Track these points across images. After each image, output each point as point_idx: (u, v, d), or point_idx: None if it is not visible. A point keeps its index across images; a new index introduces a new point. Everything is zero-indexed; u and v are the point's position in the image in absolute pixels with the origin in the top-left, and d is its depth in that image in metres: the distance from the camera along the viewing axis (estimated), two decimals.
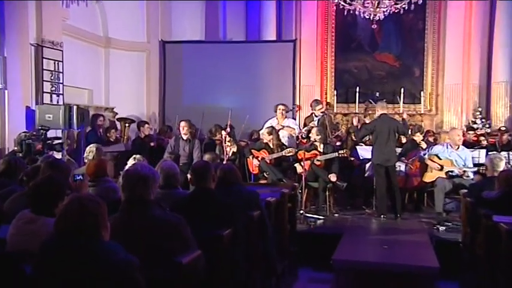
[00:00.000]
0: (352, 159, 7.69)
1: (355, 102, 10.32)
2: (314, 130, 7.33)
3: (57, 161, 3.86)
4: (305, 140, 7.96)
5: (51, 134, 6.85)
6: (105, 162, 4.70)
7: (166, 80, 10.56)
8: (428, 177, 6.78)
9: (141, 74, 10.26)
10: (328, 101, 10.76)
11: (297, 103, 9.95)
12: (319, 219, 6.70)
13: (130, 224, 2.57)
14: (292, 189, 5.56)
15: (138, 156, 5.08)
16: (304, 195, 6.92)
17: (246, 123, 8.82)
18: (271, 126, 7.56)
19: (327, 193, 7.09)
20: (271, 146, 7.36)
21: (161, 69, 10.52)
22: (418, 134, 7.35)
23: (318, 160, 7.11)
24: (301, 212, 6.70)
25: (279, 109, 7.85)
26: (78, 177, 3.57)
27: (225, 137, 7.44)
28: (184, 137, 7.55)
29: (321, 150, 7.21)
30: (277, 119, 7.86)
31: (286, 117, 7.89)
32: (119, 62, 9.84)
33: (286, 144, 7.56)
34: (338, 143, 8.24)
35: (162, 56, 10.46)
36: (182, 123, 7.50)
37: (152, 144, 8.45)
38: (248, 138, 9.36)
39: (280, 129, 7.65)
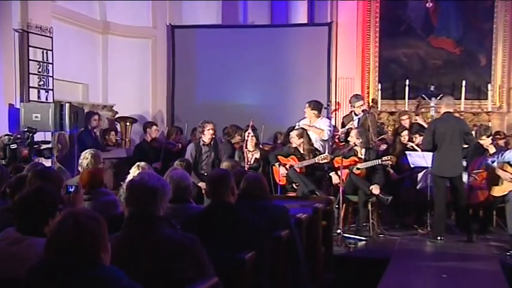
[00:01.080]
0: (391, 171, 7.56)
1: (404, 98, 10.21)
2: (354, 132, 7.29)
3: (47, 170, 3.91)
4: (343, 143, 7.92)
5: (38, 137, 6.96)
6: (103, 171, 4.77)
7: (176, 73, 10.67)
8: (498, 191, 6.66)
9: (146, 66, 10.38)
10: (371, 96, 10.70)
11: (333, 99, 9.91)
12: (360, 240, 6.68)
13: (135, 245, 2.57)
14: (327, 203, 5.56)
15: (142, 163, 5.10)
16: (341, 211, 6.90)
17: (270, 124, 8.84)
18: (302, 128, 7.55)
19: (370, 208, 7.04)
20: (302, 152, 7.36)
21: (169, 59, 10.63)
22: (485, 136, 7.03)
23: (358, 168, 7.07)
24: (339, 231, 6.68)
25: (307, 107, 7.87)
26: (71, 189, 3.60)
27: (247, 140, 7.47)
28: (207, 141, 7.63)
29: (362, 157, 7.18)
30: (309, 119, 7.87)
31: (320, 116, 7.88)
32: (120, 51, 9.97)
33: (320, 149, 7.56)
34: (383, 148, 8.19)
35: (171, 44, 10.57)
36: (209, 126, 7.59)
37: (168, 148, 8.54)
38: (273, 142, 9.36)
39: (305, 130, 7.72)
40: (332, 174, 7.24)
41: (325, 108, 8.86)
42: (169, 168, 5.02)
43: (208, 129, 7.60)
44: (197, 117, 9.10)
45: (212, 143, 7.66)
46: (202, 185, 7.06)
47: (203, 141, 7.63)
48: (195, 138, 8.00)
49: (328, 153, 7.39)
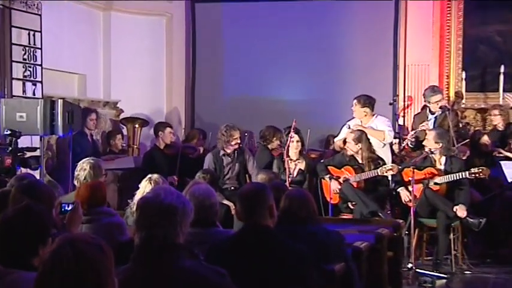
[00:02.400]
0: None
1: (497, 90, 10.06)
2: (431, 135, 7.23)
3: (36, 184, 3.98)
4: (414, 150, 7.86)
5: (23, 142, 7.10)
6: (105, 186, 4.83)
7: (198, 60, 10.78)
8: None
9: (159, 51, 10.52)
10: (452, 89, 10.56)
11: (401, 93, 9.83)
12: (439, 278, 6.60)
13: (148, 281, 2.59)
14: (394, 229, 5.51)
15: (155, 176, 5.18)
16: (414, 239, 6.85)
17: (319, 125, 8.84)
18: (360, 130, 7.53)
19: (452, 236, 6.96)
20: (360, 161, 7.34)
21: (189, 42, 10.75)
22: None
23: (436, 183, 7.02)
24: (410, 266, 6.63)
25: (355, 104, 7.84)
26: (67, 208, 3.68)
27: (288, 146, 7.50)
28: (229, 151, 7.69)
29: (442, 167, 7.12)
30: (359, 119, 7.85)
31: (374, 114, 7.85)
32: (125, 32, 10.12)
33: (384, 157, 7.53)
34: (467, 156, 8.11)
35: (191, 23, 10.69)
36: (236, 135, 7.62)
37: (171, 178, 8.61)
38: (324, 148, 9.35)
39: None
40: (400, 190, 7.20)
41: (390, 104, 8.80)
42: (189, 182, 5.07)
43: (235, 138, 7.64)
44: (224, 116, 9.17)
45: (236, 151, 7.71)
46: (230, 204, 7.10)
47: (224, 151, 7.70)
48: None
49: (394, 162, 7.33)
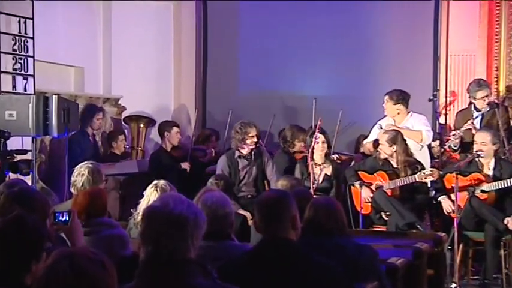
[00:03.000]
0: None
1: None
2: (479, 135, 7.20)
3: (28, 192, 4.01)
4: (457, 152, 7.82)
5: (13, 143, 7.14)
6: (105, 193, 4.85)
7: (210, 50, 10.79)
8: None
9: (166, 41, 10.54)
10: (502, 82, 10.47)
11: (443, 87, 9.77)
12: None
13: None
14: (434, 243, 5.50)
15: (162, 182, 5.20)
16: (457, 256, 6.78)
17: (348, 124, 8.79)
18: (395, 130, 7.50)
19: (503, 252, 6.91)
20: (395, 165, 7.33)
21: (199, 30, 10.76)
22: None
23: (483, 191, 6.98)
24: (454, 285, 6.58)
25: (387, 100, 7.80)
26: (61, 218, 3.70)
27: (313, 148, 7.48)
28: (245, 152, 7.69)
29: (490, 173, 7.08)
30: (392, 117, 7.81)
31: (410, 113, 7.81)
32: (128, 20, 10.15)
33: (422, 161, 7.49)
34: None
35: (202, 9, 10.72)
36: (252, 132, 7.62)
37: (184, 164, 8.64)
38: (353, 151, 9.31)
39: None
40: (442, 199, 7.16)
41: (429, 100, 8.75)
42: (200, 189, 5.08)
43: (252, 136, 7.64)
44: (239, 114, 9.17)
45: (253, 153, 7.71)
46: (246, 214, 7.10)
47: (240, 152, 7.70)
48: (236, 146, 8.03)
49: (434, 167, 7.29)
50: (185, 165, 8.49)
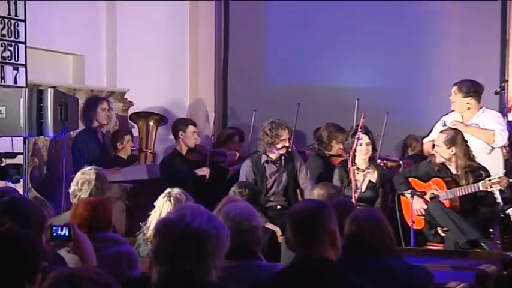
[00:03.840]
0: None
1: None
2: None
3: (20, 202, 4.03)
4: None
5: (2, 145, 7.18)
6: (110, 204, 4.86)
7: (232, 37, 10.80)
8: None
9: (180, 24, 10.52)
10: None
11: (511, 77, 9.69)
12: None
13: None
14: (503, 264, 5.45)
15: (176, 191, 5.21)
16: None
17: (396, 123, 8.74)
18: (453, 129, 7.46)
19: None
20: (454, 171, 7.29)
21: (220, 13, 10.76)
22: None
23: None
24: None
25: (454, 92, 7.72)
26: (61, 233, 3.71)
27: (354, 151, 7.43)
28: (273, 156, 7.69)
29: None
30: (460, 113, 7.75)
31: (481, 108, 7.75)
32: (135, 1, 10.12)
33: (490, 166, 7.44)
34: None
35: None
36: (281, 133, 7.60)
37: (202, 170, 8.61)
38: (400, 155, 9.26)
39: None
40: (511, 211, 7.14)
41: (496, 93, 8.67)
42: (221, 199, 5.09)
43: (283, 140, 7.63)
44: (267, 111, 9.17)
45: (283, 157, 7.69)
46: (275, 228, 7.08)
47: (268, 156, 7.69)
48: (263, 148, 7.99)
49: (504, 173, 7.24)
50: (203, 172, 8.44)
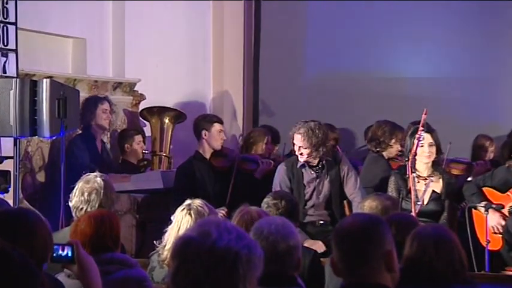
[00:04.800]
0: None
1: None
2: None
3: (12, 214, 4.05)
4: None
5: None
6: (118, 219, 4.87)
7: (264, 18, 10.88)
8: None
9: (202, 3, 10.60)
10: None
11: None
12: None
13: None
14: None
15: (197, 202, 5.22)
16: None
17: (463, 119, 8.72)
18: None
19: None
20: None
21: None
22: None
23: None
24: None
25: None
26: (63, 253, 3.71)
27: (414, 153, 7.38)
28: (315, 161, 7.67)
29: None
30: None
31: None
32: None
33: None
34: None
35: None
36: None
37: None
38: (470, 158, 9.21)
39: None
40: None
41: None
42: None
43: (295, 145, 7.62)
44: (306, 105, 9.21)
45: (325, 160, 7.63)
46: (317, 247, 7.06)
47: (303, 159, 7.64)
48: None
49: None
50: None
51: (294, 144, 7.64)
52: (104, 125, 8.96)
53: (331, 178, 7.67)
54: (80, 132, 8.68)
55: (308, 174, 7.68)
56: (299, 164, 7.67)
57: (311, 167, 7.68)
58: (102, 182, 5.42)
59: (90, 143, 8.77)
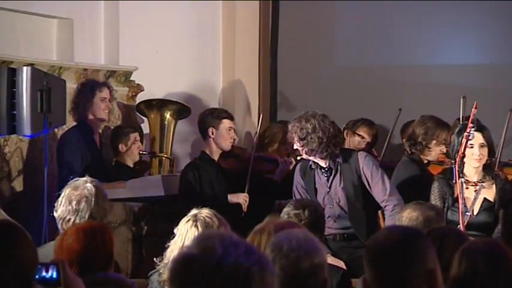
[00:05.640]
0: None
1: None
2: None
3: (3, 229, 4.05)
4: None
5: None
6: (110, 232, 4.88)
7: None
8: None
9: None
10: None
11: None
12: None
13: None
14: None
15: (204, 212, 5.25)
16: None
17: None
18: None
19: None
20: None
21: None
22: None
23: None
24: None
25: None
26: (47, 274, 3.70)
27: (462, 155, 7.36)
28: (322, 161, 7.58)
29: None
30: None
31: None
32: None
33: None
34: None
35: None
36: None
37: (235, 197, 8.54)
38: None
39: None
40: None
41: None
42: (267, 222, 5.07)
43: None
44: (334, 98, 9.21)
45: (337, 161, 7.58)
46: (340, 263, 7.06)
47: (314, 160, 7.59)
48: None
49: None
50: (238, 199, 8.31)
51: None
52: (103, 117, 8.82)
53: (346, 183, 7.60)
54: (75, 125, 8.65)
55: (319, 178, 7.66)
56: (311, 165, 7.65)
57: (322, 168, 7.64)
58: (93, 189, 5.43)
59: (86, 139, 8.67)
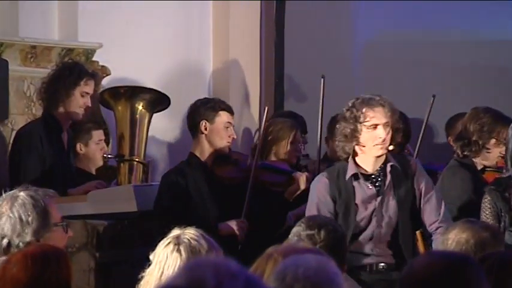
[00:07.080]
0: None
1: None
2: None
3: None
4: None
5: None
6: (67, 258, 4.91)
7: None
8: None
9: None
10: None
11: None
12: None
13: None
14: None
15: (190, 233, 5.25)
16: None
17: None
18: None
19: None
20: None
21: None
22: None
23: None
24: None
25: None
26: None
27: None
28: (371, 170, 7.52)
29: None
30: None
31: None
32: None
33: None
34: None
35: None
36: (374, 112, 7.58)
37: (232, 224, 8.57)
38: None
39: None
40: None
41: None
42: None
43: (373, 126, 7.60)
44: (353, 85, 9.27)
45: (388, 168, 7.50)
46: None
47: (359, 166, 7.58)
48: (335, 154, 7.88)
49: None
50: (233, 226, 8.27)
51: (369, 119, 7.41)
52: (78, 114, 8.79)
53: (400, 196, 7.55)
54: (39, 117, 8.72)
55: (364, 190, 7.54)
56: (349, 174, 7.47)
57: (368, 177, 7.59)
58: (29, 201, 5.43)
59: (52, 137, 8.69)
